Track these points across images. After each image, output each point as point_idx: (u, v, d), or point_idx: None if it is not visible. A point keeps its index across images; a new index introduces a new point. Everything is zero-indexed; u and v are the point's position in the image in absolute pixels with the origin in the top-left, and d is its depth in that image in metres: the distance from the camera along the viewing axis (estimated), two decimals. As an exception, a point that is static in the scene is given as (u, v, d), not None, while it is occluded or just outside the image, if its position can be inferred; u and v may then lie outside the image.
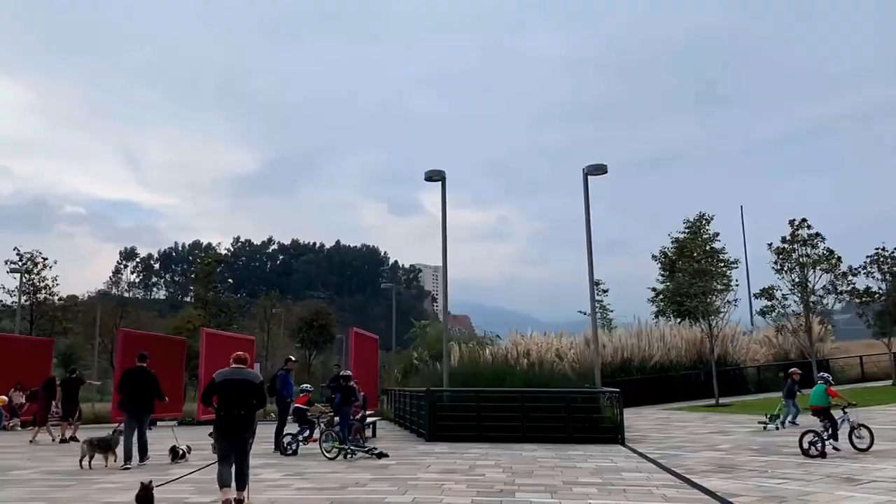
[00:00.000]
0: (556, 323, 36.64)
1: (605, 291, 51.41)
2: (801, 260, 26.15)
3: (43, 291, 32.53)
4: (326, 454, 12.99)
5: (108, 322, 44.40)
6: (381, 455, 12.81)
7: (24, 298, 33.00)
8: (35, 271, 32.12)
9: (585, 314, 48.47)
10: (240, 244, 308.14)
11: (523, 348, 29.45)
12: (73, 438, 17.82)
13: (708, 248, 42.58)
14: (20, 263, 31.51)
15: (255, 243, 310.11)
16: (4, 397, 25.04)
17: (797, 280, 26.70)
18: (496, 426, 16.41)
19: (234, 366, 8.36)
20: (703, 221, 43.26)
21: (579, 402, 16.76)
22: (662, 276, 47.57)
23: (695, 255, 42.88)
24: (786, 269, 26.55)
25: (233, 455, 7.86)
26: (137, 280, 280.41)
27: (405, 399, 21.62)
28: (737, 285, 35.82)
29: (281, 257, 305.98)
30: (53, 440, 18.19)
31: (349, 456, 12.80)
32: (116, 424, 14.59)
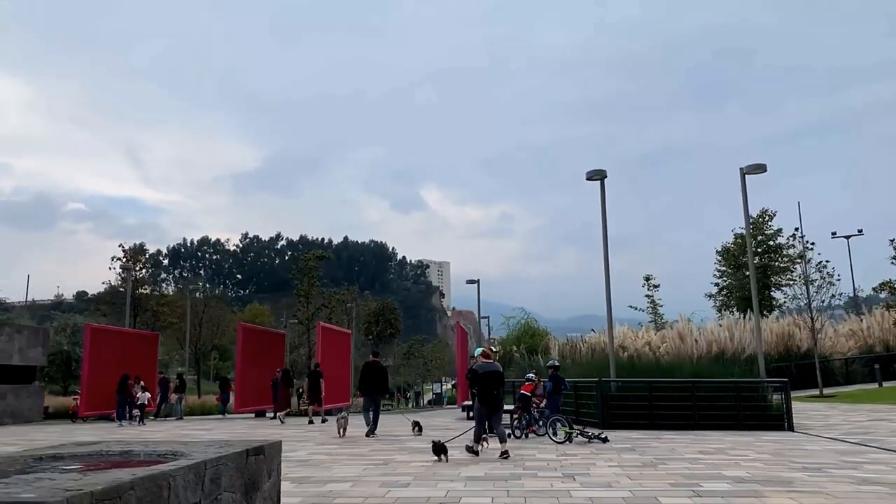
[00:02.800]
0: (558, 319, 36.95)
1: (656, 287, 52.06)
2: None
3: (146, 286, 33.28)
4: (554, 438, 13.82)
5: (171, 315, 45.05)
6: (605, 439, 13.62)
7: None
8: (137, 268, 32.87)
9: (636, 309, 49.50)
10: (248, 240, 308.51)
11: (619, 342, 30.26)
12: (311, 421, 21.17)
13: (772, 243, 43.53)
14: (124, 259, 32.26)
15: (262, 239, 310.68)
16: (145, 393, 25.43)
17: None
18: (667, 414, 17.25)
19: (484, 360, 12.00)
20: (766, 217, 43.93)
21: (747, 391, 17.56)
22: (719, 272, 48.41)
23: (757, 250, 43.90)
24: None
25: (489, 420, 11.76)
26: (146, 275, 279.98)
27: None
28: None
29: (289, 253, 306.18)
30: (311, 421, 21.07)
31: (573, 439, 13.64)
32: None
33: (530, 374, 16.36)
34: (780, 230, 43.40)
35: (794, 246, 42.47)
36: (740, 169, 18.52)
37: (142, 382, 25.27)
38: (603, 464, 10.34)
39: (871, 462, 10.43)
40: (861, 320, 34.26)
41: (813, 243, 30.21)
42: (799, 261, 44.78)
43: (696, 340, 30.23)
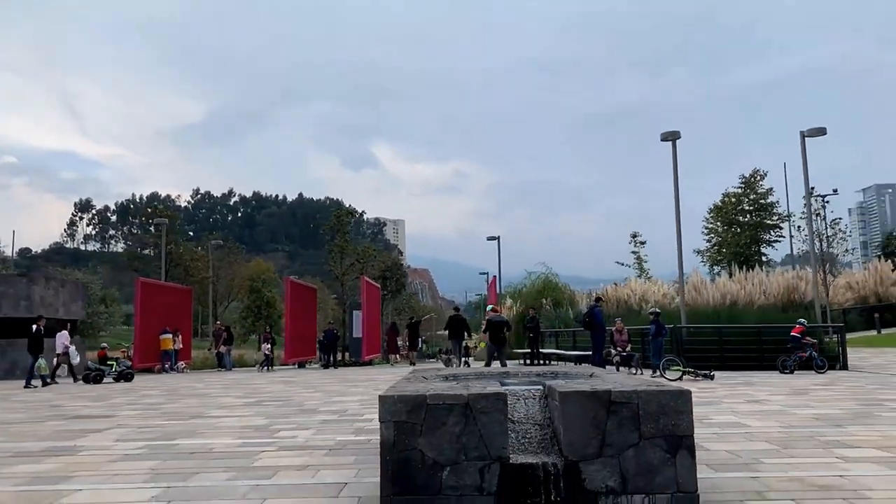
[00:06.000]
0: (514, 277, 38.09)
1: (642, 244, 54.18)
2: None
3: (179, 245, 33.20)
4: (666, 377, 15.22)
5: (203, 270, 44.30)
6: (712, 377, 15.08)
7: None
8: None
9: (622, 265, 51.57)
10: (199, 196, 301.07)
11: (640, 294, 32.01)
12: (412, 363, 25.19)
13: (763, 202, 45.91)
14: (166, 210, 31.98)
15: (215, 195, 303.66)
16: (169, 336, 26.30)
17: None
18: (735, 357, 18.87)
19: (494, 314, 19.16)
20: (758, 177, 46.18)
21: (808, 335, 19.27)
22: (707, 229, 50.68)
23: (746, 208, 46.28)
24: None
25: (497, 354, 18.14)
26: (94, 233, 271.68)
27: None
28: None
29: (242, 210, 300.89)
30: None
31: (684, 377, 15.07)
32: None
33: (654, 309, 18.04)
34: (771, 189, 45.87)
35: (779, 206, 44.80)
36: (801, 132, 19.97)
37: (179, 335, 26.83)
38: (751, 392, 11.71)
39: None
40: (855, 273, 36.86)
41: (827, 200, 32.22)
42: (788, 219, 47.52)
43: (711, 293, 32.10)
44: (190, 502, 4.75)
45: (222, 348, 27.37)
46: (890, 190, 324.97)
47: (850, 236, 31.09)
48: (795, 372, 16.59)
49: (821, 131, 19.71)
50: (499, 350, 18.43)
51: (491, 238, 37.05)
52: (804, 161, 20.00)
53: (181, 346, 27.46)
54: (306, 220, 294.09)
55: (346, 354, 30.42)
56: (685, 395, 4.43)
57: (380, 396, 4.43)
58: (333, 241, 32.80)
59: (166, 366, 25.46)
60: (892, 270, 34.79)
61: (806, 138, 19.86)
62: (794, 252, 35.92)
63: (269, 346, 26.86)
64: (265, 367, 25.76)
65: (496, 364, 17.22)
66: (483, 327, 21.31)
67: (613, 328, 18.13)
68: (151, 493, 5.02)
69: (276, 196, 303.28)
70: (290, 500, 4.77)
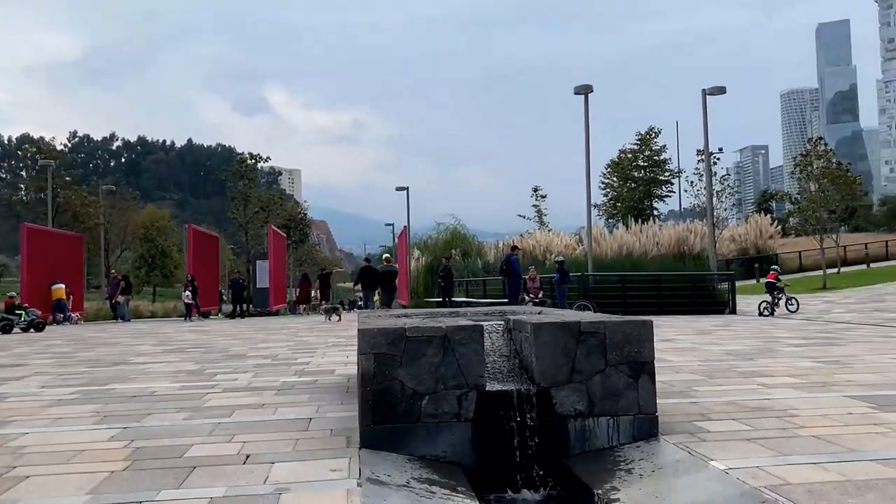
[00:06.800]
0: (417, 230, 39.09)
1: (543, 197, 55.82)
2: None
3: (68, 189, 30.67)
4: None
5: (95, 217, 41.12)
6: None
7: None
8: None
9: (525, 218, 53.11)
10: (77, 139, 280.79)
11: (544, 246, 33.06)
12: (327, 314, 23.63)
13: (657, 158, 48.13)
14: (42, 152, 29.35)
15: (95, 139, 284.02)
16: (61, 286, 24.90)
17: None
18: (637, 302, 20.03)
19: (386, 264, 19.66)
20: (653, 134, 48.26)
21: (701, 283, 20.73)
22: (604, 184, 52.65)
23: (641, 164, 48.44)
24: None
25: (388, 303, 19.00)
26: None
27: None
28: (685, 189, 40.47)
29: (126, 155, 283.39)
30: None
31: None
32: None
33: (559, 258, 18.58)
34: (664, 146, 48.15)
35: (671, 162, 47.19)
36: (703, 90, 21.01)
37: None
38: (660, 333, 12.54)
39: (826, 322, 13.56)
40: (738, 226, 39.57)
41: (718, 158, 34.10)
42: (679, 175, 50.14)
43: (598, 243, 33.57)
44: (154, 440, 4.63)
45: (120, 298, 26.09)
46: (763, 151, 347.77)
47: (738, 192, 33.21)
48: (776, 314, 18.12)
49: (721, 90, 20.84)
50: (390, 298, 19.22)
51: (400, 188, 36.96)
52: (705, 119, 21.13)
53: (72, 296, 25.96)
54: (196, 167, 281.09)
55: (250, 305, 29.81)
56: (647, 325, 4.74)
57: (359, 329, 4.47)
58: (236, 188, 31.66)
59: (59, 317, 24.02)
60: (771, 224, 37.77)
61: (707, 96, 20.95)
62: (685, 207, 38.11)
63: (188, 293, 25.59)
64: (189, 318, 25.04)
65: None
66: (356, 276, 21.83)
67: (527, 276, 18.76)
68: (110, 434, 4.85)
69: (164, 141, 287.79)
70: (259, 435, 4.74)
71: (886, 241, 43.42)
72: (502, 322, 5.49)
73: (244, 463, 4.02)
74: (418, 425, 4.36)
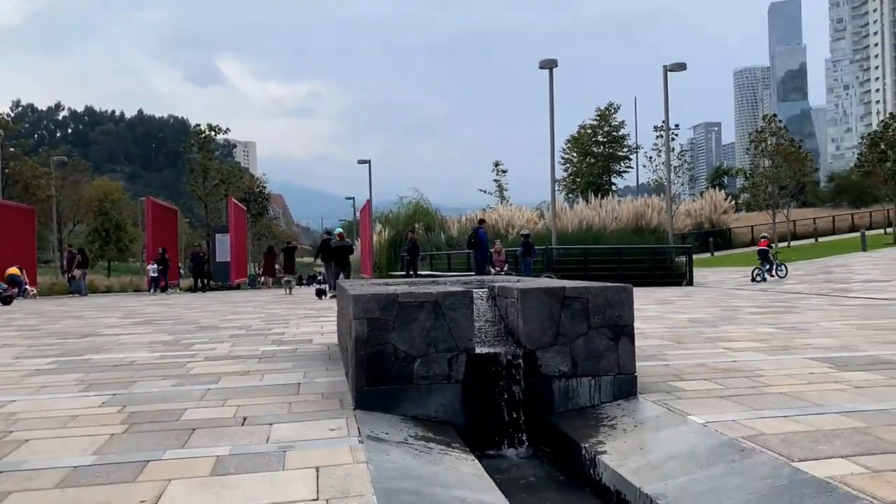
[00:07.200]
0: (376, 204, 39.29)
1: (504, 172, 56.13)
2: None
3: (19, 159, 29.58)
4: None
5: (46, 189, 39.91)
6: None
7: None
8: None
9: (485, 192, 53.46)
10: (21, 108, 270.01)
11: (506, 220, 33.37)
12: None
13: (615, 134, 48.74)
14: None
15: (39, 109, 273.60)
16: (15, 268, 24.35)
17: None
18: (598, 275, 20.45)
19: (339, 240, 18.36)
20: (612, 110, 48.78)
21: (660, 255, 21.28)
22: (563, 159, 53.16)
23: (600, 139, 49.02)
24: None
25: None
26: None
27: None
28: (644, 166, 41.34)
29: (73, 125, 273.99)
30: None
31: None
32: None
33: (525, 231, 18.83)
34: (623, 122, 48.73)
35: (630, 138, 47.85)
36: (664, 66, 21.36)
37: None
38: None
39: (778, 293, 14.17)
40: (693, 201, 40.51)
41: (676, 134, 34.78)
42: (636, 150, 50.89)
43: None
44: (147, 405, 4.69)
45: (76, 272, 25.51)
46: (716, 128, 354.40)
47: (693, 168, 33.99)
48: (767, 280, 19.14)
49: (681, 66, 21.22)
50: (345, 272, 19.14)
51: (362, 161, 36.75)
52: (665, 95, 21.53)
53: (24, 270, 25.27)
54: (147, 138, 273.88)
55: (210, 280, 29.46)
56: (627, 290, 4.97)
57: (353, 295, 4.57)
58: (194, 160, 31.05)
59: (14, 291, 23.38)
60: (725, 199, 38.81)
61: (669, 73, 21.32)
62: (642, 182, 38.84)
63: (155, 266, 25.35)
64: (155, 290, 25.12)
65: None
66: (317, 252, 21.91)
67: (493, 249, 18.99)
68: (101, 400, 4.89)
69: (113, 112, 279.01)
70: (252, 399, 4.83)
71: (833, 217, 45.12)
72: (486, 290, 5.66)
73: (242, 425, 4.12)
74: (410, 387, 4.51)
